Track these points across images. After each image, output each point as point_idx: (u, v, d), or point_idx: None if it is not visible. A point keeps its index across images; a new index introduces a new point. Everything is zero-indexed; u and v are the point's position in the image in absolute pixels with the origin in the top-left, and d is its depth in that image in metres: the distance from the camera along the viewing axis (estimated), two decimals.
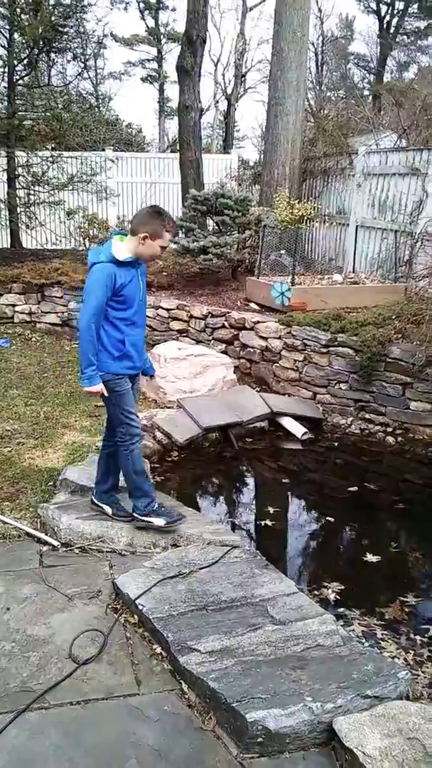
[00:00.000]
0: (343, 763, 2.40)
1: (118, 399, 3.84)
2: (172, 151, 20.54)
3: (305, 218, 9.79)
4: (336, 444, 6.55)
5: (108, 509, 4.17)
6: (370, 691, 2.62)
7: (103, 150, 13.62)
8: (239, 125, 33.52)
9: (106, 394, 3.77)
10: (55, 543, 3.97)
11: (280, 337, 7.47)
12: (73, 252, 11.53)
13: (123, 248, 3.65)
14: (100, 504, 4.20)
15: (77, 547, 3.92)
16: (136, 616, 3.28)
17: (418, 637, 3.51)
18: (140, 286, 3.79)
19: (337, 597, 3.90)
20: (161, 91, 31.98)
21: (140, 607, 3.23)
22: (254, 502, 5.52)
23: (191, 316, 8.59)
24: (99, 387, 3.71)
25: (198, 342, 8.38)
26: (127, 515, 4.11)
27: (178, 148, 12.65)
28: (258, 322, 7.77)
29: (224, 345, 8.21)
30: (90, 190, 12.00)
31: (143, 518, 4.02)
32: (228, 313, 8.20)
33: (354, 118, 13.41)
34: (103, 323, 3.68)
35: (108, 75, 30.71)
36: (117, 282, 3.61)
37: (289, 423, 6.71)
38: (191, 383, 6.81)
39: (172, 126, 30.94)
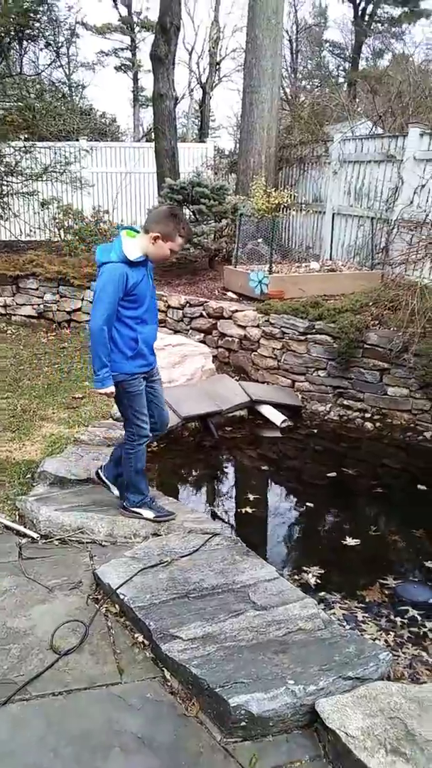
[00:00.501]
0: (326, 744, 2.42)
1: (131, 400, 3.79)
2: (147, 141, 20.40)
3: (282, 206, 9.79)
4: (315, 431, 6.57)
5: (115, 491, 4.18)
6: (351, 672, 2.64)
7: (77, 140, 13.48)
8: (215, 114, 33.47)
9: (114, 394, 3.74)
10: (35, 535, 3.94)
11: (258, 326, 7.47)
12: (48, 243, 11.42)
13: (134, 246, 3.55)
14: (107, 482, 4.21)
15: (57, 539, 3.90)
16: (117, 606, 3.27)
17: (398, 619, 3.55)
18: (150, 283, 3.72)
19: (318, 581, 3.92)
20: (135, 80, 31.70)
21: (121, 597, 3.22)
22: (234, 490, 5.53)
23: (169, 306, 8.56)
24: (111, 389, 3.66)
25: (176, 332, 8.36)
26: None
27: (153, 137, 12.56)
28: (236, 310, 7.76)
29: (202, 334, 8.20)
30: (64, 180, 11.88)
31: (133, 509, 4.03)
32: (206, 302, 8.19)
33: (329, 105, 13.40)
34: (115, 323, 3.60)
35: (81, 64, 30.40)
36: (129, 282, 3.52)
37: (268, 411, 6.72)
38: (170, 373, 6.78)
39: (147, 115, 30.70)
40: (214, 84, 29.50)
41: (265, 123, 10.86)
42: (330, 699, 2.50)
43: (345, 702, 2.48)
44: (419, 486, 5.37)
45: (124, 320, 3.63)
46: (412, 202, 8.22)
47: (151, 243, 3.53)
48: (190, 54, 29.85)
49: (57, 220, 11.43)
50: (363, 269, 8.56)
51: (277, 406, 6.80)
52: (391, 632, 3.41)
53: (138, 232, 3.65)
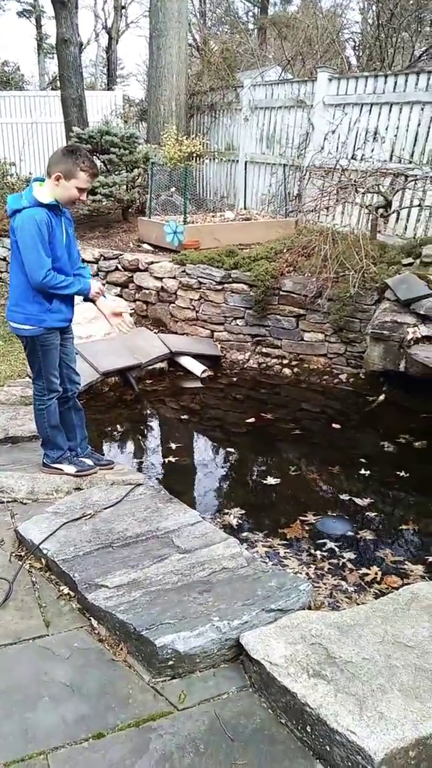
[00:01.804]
0: (252, 675, 2.50)
1: (45, 354, 3.69)
2: (53, 89, 19.54)
3: (195, 155, 9.64)
4: (235, 379, 6.64)
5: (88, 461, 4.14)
6: (273, 605, 2.73)
7: None
8: (123, 63, 32.42)
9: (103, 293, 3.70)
10: None
11: (174, 277, 7.41)
12: None
13: (44, 193, 3.41)
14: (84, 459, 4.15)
15: None
16: (41, 561, 3.24)
17: (318, 552, 3.68)
18: (66, 234, 3.56)
19: (241, 522, 4.02)
20: (38, 26, 30.07)
21: (45, 551, 3.20)
22: (157, 442, 5.54)
23: (83, 260, 8.34)
24: (96, 286, 3.68)
25: (85, 299, 8.17)
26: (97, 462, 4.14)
27: (59, 85, 12.04)
28: (152, 262, 7.66)
29: (119, 288, 8.07)
30: None
31: (54, 465, 3.98)
32: (121, 255, 8.04)
33: (239, 51, 13.18)
34: None
35: None
36: (51, 227, 3.39)
37: (188, 362, 6.73)
38: (87, 329, 6.66)
39: (53, 64, 29.34)
40: (120, 30, 28.41)
41: (174, 69, 10.57)
42: (254, 631, 2.58)
43: (268, 633, 2.56)
44: (334, 425, 5.54)
45: None
46: (323, 149, 8.26)
47: (56, 185, 3.39)
48: None
49: None
50: (277, 217, 8.58)
51: (197, 356, 6.81)
52: (311, 565, 3.54)
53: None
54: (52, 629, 2.80)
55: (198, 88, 11.23)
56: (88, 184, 3.46)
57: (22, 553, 3.32)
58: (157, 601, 2.76)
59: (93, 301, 3.80)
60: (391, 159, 7.51)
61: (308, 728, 2.22)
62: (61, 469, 3.97)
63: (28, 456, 4.17)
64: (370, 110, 7.72)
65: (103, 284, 6.93)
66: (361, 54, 13.96)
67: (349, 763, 2.08)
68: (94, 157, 9.46)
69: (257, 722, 2.33)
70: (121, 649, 2.68)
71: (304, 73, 10.73)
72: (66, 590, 3.03)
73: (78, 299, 3.82)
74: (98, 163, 9.79)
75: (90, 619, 2.85)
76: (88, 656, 2.65)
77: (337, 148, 8.12)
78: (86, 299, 3.80)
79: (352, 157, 7.92)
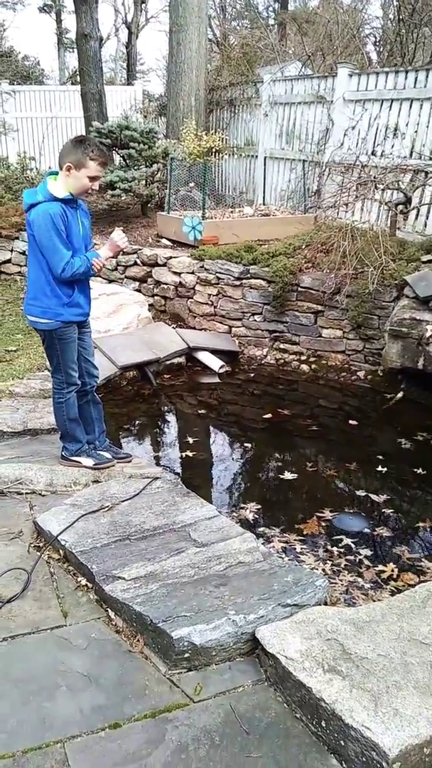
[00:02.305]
0: (267, 668, 2.51)
1: (63, 347, 3.72)
2: (72, 84, 19.60)
3: (214, 150, 9.63)
4: (252, 375, 6.64)
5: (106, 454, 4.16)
6: (290, 600, 2.74)
7: None
8: (143, 58, 32.41)
9: (105, 261, 3.66)
10: None
11: (193, 272, 7.42)
12: None
13: (58, 186, 3.43)
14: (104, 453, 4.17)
15: None
16: (59, 552, 3.28)
17: (335, 549, 3.68)
18: (82, 226, 3.59)
19: (258, 517, 4.03)
20: (59, 21, 30.15)
21: (63, 543, 3.23)
22: (174, 436, 5.57)
23: None
24: (102, 256, 3.62)
25: (110, 281, 8.22)
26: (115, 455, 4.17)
27: (79, 80, 12.08)
28: (170, 257, 7.67)
29: (137, 283, 8.09)
30: None
31: (72, 458, 4.01)
32: (140, 249, 8.06)
33: (259, 46, 13.15)
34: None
35: (1, 4, 28.70)
36: (66, 219, 3.42)
37: (206, 357, 6.74)
38: (106, 323, 6.69)
39: (73, 59, 29.41)
40: (140, 25, 28.40)
41: (193, 64, 10.56)
42: (269, 626, 2.59)
43: (284, 627, 2.57)
44: (351, 422, 5.54)
45: None
46: (342, 144, 8.23)
47: (67, 176, 3.41)
48: None
49: None
50: (296, 213, 8.56)
51: (215, 352, 6.82)
52: (328, 561, 3.54)
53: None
54: (70, 620, 2.83)
55: (217, 83, 11.22)
56: (99, 173, 3.46)
57: (41, 544, 3.36)
58: (174, 594, 2.78)
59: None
60: (411, 155, 7.46)
61: (323, 723, 2.23)
62: (80, 462, 4.00)
63: (46, 448, 4.21)
64: (390, 106, 7.68)
65: (123, 279, 6.93)
66: (381, 50, 13.88)
67: (364, 759, 2.08)
68: (113, 151, 9.52)
69: (272, 716, 2.34)
70: (138, 640, 2.70)
71: (324, 68, 10.68)
72: (84, 581, 3.06)
73: (94, 293, 3.84)
74: (117, 157, 9.84)
75: (107, 611, 2.87)
76: (105, 647, 2.67)
77: (357, 144, 8.08)
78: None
79: (371, 153, 7.89)
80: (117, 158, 10.01)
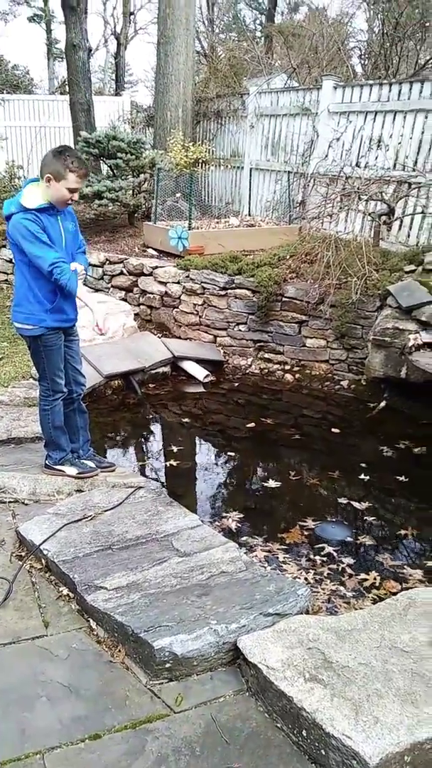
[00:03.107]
0: (249, 678, 2.51)
1: (48, 355, 3.71)
2: (61, 94, 19.62)
3: (200, 161, 9.68)
4: (237, 384, 6.66)
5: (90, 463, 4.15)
6: (271, 609, 2.74)
7: None
8: (132, 69, 32.42)
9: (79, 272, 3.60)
10: None
11: (179, 282, 7.44)
12: None
13: (35, 195, 3.43)
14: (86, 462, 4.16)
15: None
16: (42, 562, 3.26)
17: (317, 557, 3.69)
18: (64, 231, 3.57)
19: (240, 526, 4.03)
20: (48, 31, 30.21)
21: (45, 552, 3.21)
22: (159, 445, 5.56)
23: (88, 264, 8.37)
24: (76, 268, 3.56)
25: (96, 290, 8.21)
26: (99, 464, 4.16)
27: (68, 90, 12.11)
28: (156, 267, 7.69)
29: (123, 292, 8.10)
30: None
31: (55, 467, 4.00)
32: (126, 259, 8.07)
33: (245, 58, 13.24)
34: (34, 274, 3.50)
35: None
36: (42, 226, 3.41)
37: (191, 367, 6.75)
38: (91, 332, 6.67)
39: (62, 69, 29.45)
40: (129, 36, 28.56)
41: (181, 75, 10.61)
42: (251, 635, 2.59)
43: (265, 637, 2.57)
44: (334, 430, 5.57)
45: (41, 271, 3.52)
46: (327, 156, 8.30)
47: (47, 187, 3.41)
48: (105, 3, 28.76)
49: None
50: (281, 224, 8.61)
51: (200, 361, 6.83)
52: (310, 570, 3.55)
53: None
54: (51, 630, 2.82)
55: (205, 95, 11.28)
56: (78, 185, 3.45)
57: (23, 554, 3.34)
58: (156, 604, 2.78)
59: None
60: (394, 167, 7.53)
61: (304, 732, 2.22)
62: (63, 471, 3.99)
63: (30, 457, 4.19)
64: (375, 118, 7.75)
65: (109, 288, 6.93)
66: (366, 62, 14.01)
67: None
68: (101, 161, 9.53)
69: (253, 726, 2.34)
70: (119, 650, 2.69)
71: (309, 81, 10.77)
72: (65, 591, 3.05)
73: (80, 302, 3.82)
74: (104, 167, 9.85)
75: (89, 621, 2.86)
76: (86, 657, 2.66)
77: (341, 155, 8.15)
78: None
79: (356, 165, 7.95)
80: (104, 168, 10.02)
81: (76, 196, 3.50)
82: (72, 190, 3.44)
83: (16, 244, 3.47)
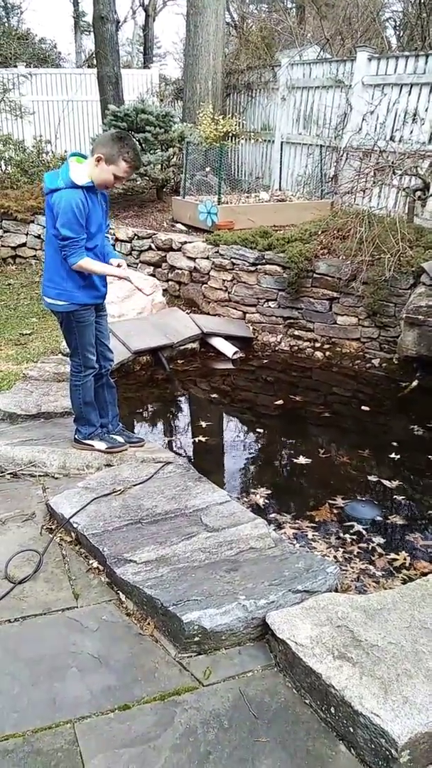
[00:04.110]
0: (277, 654, 2.51)
1: (81, 330, 3.72)
2: (89, 67, 19.47)
3: (230, 135, 9.55)
4: (266, 362, 6.62)
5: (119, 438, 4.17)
6: (300, 586, 2.73)
7: (15, 66, 12.79)
8: (160, 41, 32.05)
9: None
10: None
11: (208, 257, 7.38)
12: None
13: (81, 171, 3.40)
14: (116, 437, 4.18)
15: (9, 473, 3.87)
16: (71, 535, 3.29)
17: (347, 536, 3.67)
18: (100, 213, 3.57)
19: (269, 503, 4.02)
20: (76, 3, 29.94)
21: (75, 525, 3.24)
22: (187, 421, 5.56)
23: (117, 239, 8.37)
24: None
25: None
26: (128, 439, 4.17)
27: (95, 63, 11.99)
28: (185, 242, 7.63)
29: (152, 267, 8.06)
30: (3, 108, 11.32)
31: (85, 442, 4.02)
32: (154, 234, 8.02)
33: (277, 29, 12.98)
34: None
35: None
36: (86, 207, 3.39)
37: (219, 343, 6.72)
38: (119, 307, 6.68)
39: (89, 42, 29.21)
40: (158, 7, 28.17)
41: (211, 47, 10.45)
42: (280, 611, 2.59)
43: (294, 613, 2.57)
44: (364, 407, 5.52)
45: None
46: (360, 129, 8.12)
47: (95, 166, 3.38)
48: None
49: None
50: (313, 199, 8.49)
51: (229, 338, 6.79)
52: (340, 548, 3.53)
53: (86, 158, 3.50)
54: (81, 602, 2.85)
55: (235, 67, 11.10)
56: (126, 175, 3.43)
57: (53, 527, 3.38)
58: (185, 578, 2.78)
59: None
60: (430, 141, 7.35)
61: (332, 709, 2.22)
62: (92, 446, 4.01)
63: (60, 431, 4.22)
64: (410, 91, 7.56)
65: (137, 264, 6.91)
66: (401, 33, 13.65)
67: (372, 746, 2.08)
68: (129, 134, 9.43)
69: (281, 701, 2.34)
70: (148, 623, 2.71)
71: (343, 52, 10.51)
72: (95, 564, 3.07)
73: (109, 278, 3.83)
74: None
75: (118, 593, 2.88)
76: (115, 629, 2.69)
77: (375, 129, 7.97)
78: None
79: (390, 139, 7.78)
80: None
81: (118, 185, 3.47)
82: (117, 178, 3.41)
83: (54, 217, 3.44)
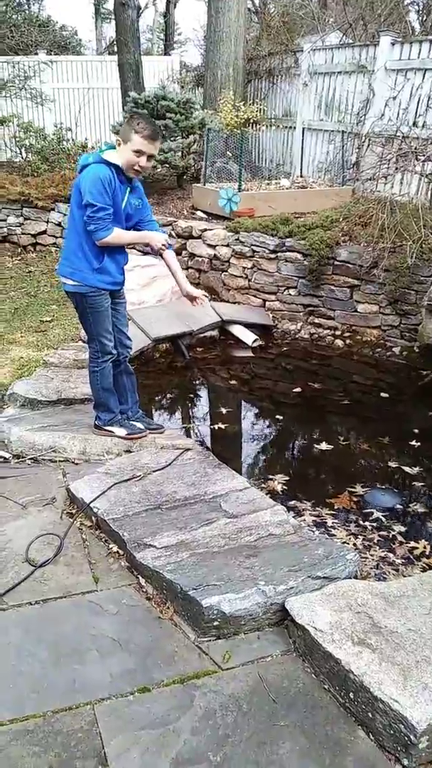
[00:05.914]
0: (296, 639, 2.51)
1: (95, 316, 3.73)
2: (109, 54, 19.41)
3: (251, 121, 9.47)
4: (286, 349, 6.59)
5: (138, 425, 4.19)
6: (320, 572, 2.73)
7: (36, 53, 12.78)
8: (181, 28, 31.79)
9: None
10: (6, 455, 3.94)
11: (228, 245, 7.35)
12: (8, 163, 10.98)
13: (113, 154, 3.46)
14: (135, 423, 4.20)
15: (29, 458, 3.91)
16: (92, 519, 3.31)
17: (367, 524, 3.65)
18: (127, 203, 3.57)
19: (289, 490, 4.01)
20: None
21: (95, 510, 3.26)
22: (206, 408, 5.56)
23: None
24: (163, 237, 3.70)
25: (145, 253, 8.18)
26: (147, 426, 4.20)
27: (116, 50, 11.94)
28: (205, 230, 7.61)
29: None
30: (23, 96, 11.32)
31: (105, 428, 4.04)
32: (174, 221, 8.00)
33: (299, 14, 12.83)
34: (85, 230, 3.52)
35: None
36: (113, 185, 3.41)
37: (239, 331, 6.70)
38: (139, 295, 6.69)
39: (110, 29, 29.11)
40: None
41: (232, 33, 10.35)
42: (299, 597, 2.59)
43: (314, 599, 2.56)
44: (383, 394, 5.50)
45: None
46: (383, 115, 8.02)
47: (118, 151, 3.45)
48: None
49: (17, 139, 10.95)
50: (334, 185, 8.41)
51: (248, 325, 6.77)
52: (360, 536, 3.52)
53: None
54: (101, 585, 2.87)
55: (256, 53, 11.00)
56: (144, 147, 3.38)
57: (73, 511, 3.40)
58: (204, 563, 2.79)
59: (160, 254, 3.79)
60: None
61: (351, 695, 2.22)
62: (112, 432, 4.03)
63: (80, 418, 4.24)
64: None
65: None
66: (425, 18, 13.44)
67: (391, 731, 2.08)
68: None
69: (300, 686, 2.35)
70: (168, 607, 2.72)
71: (365, 37, 10.36)
72: (115, 548, 3.09)
73: (129, 265, 3.83)
74: None
75: (138, 578, 2.90)
76: (135, 613, 2.70)
77: (398, 114, 7.86)
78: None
79: (413, 125, 7.67)
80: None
81: (143, 162, 3.43)
82: (138, 152, 3.39)
83: (80, 194, 3.45)
